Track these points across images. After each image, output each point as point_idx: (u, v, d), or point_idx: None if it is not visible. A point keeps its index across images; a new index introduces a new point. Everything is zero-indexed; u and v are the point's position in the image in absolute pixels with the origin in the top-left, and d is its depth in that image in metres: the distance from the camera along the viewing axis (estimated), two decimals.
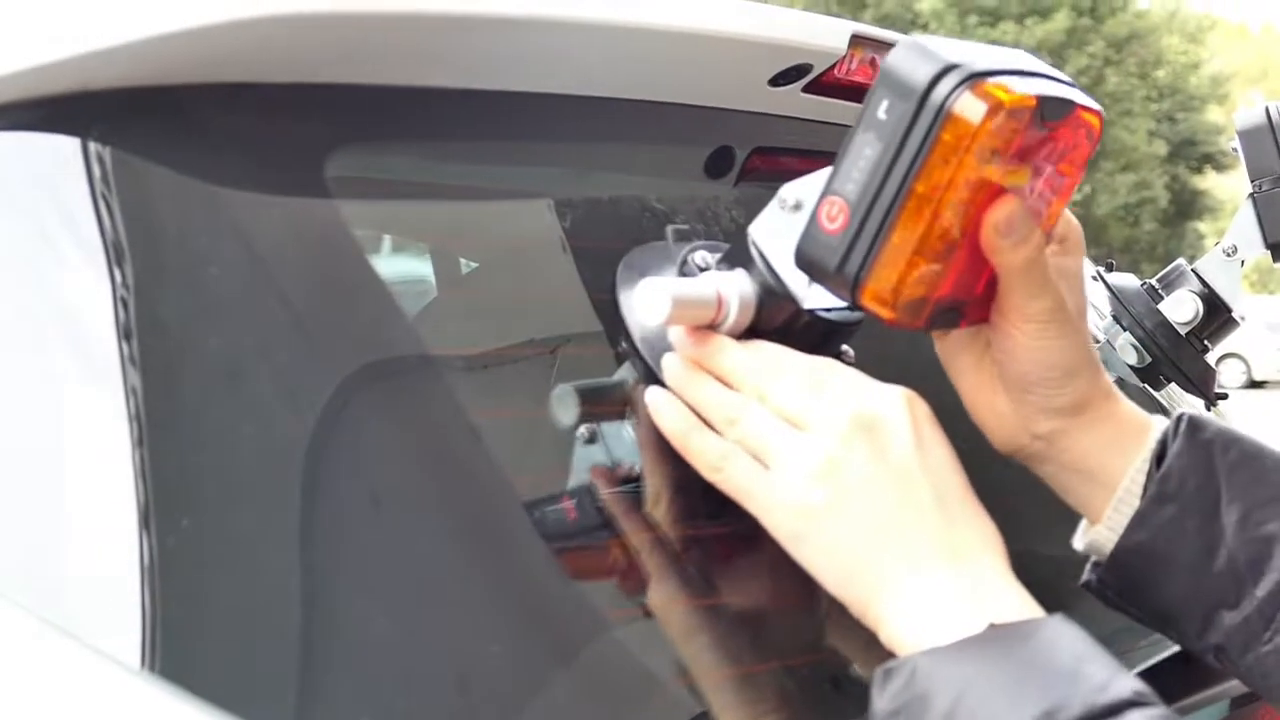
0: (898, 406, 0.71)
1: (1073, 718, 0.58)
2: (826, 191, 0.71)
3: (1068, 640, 0.63)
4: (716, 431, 0.74)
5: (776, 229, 0.74)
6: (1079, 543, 0.85)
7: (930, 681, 0.62)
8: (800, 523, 0.70)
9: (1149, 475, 0.82)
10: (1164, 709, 0.60)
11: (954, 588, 0.67)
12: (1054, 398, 0.81)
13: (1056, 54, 23.45)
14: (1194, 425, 0.82)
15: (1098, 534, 0.83)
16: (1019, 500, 0.88)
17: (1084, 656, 0.62)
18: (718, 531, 0.82)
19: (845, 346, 0.82)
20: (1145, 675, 0.99)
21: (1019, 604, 0.67)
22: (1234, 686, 1.00)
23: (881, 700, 0.63)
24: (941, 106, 0.67)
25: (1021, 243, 0.74)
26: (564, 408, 0.81)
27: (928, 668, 0.63)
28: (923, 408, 0.73)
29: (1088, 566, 0.85)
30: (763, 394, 0.73)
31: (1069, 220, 0.82)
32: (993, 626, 0.63)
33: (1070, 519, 0.87)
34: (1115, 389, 0.84)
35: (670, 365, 0.76)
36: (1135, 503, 0.82)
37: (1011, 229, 0.73)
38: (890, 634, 0.67)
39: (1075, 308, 0.80)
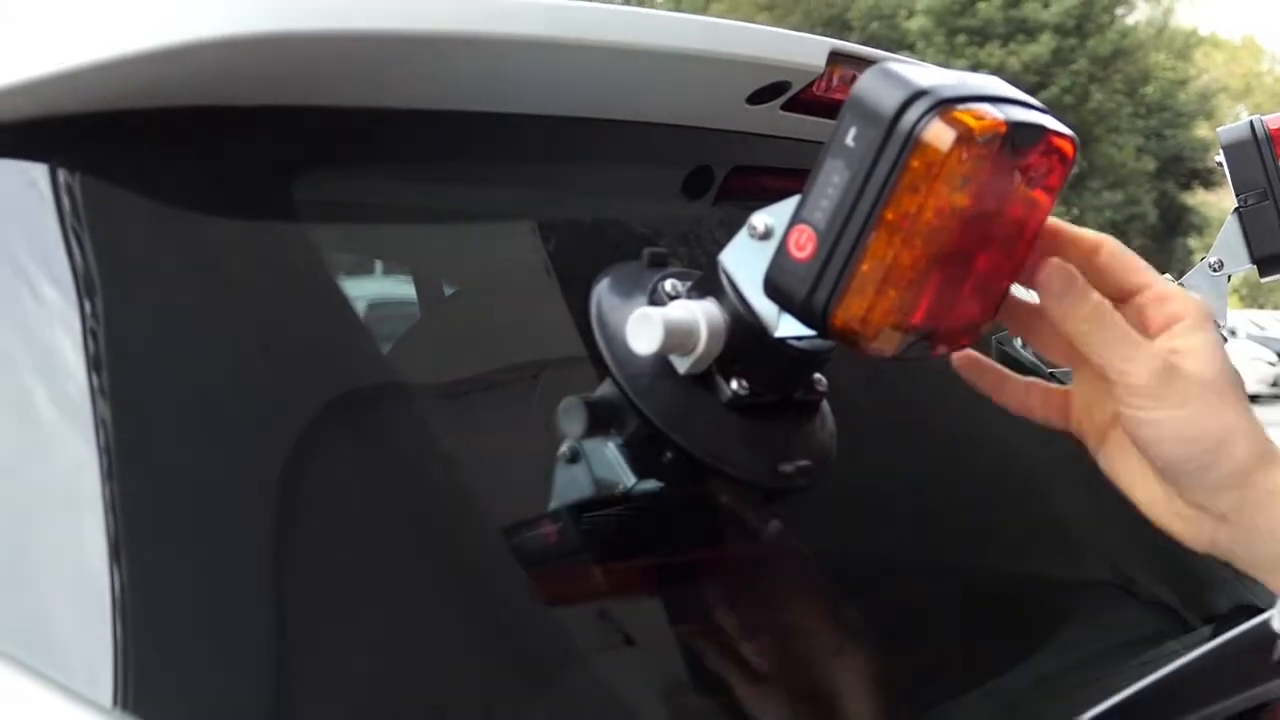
0: None
1: None
2: (795, 220, 0.70)
3: None
4: None
5: (746, 257, 0.74)
6: (1276, 623, 0.75)
7: None
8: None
9: None
10: None
11: None
12: (1210, 474, 0.71)
13: (1043, 73, 23.58)
14: None
15: None
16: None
17: None
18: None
19: (817, 375, 0.81)
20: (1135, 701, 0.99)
21: None
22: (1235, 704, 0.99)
23: None
24: (910, 133, 0.66)
25: (1079, 301, 0.71)
26: (571, 420, 0.79)
27: None
28: None
29: None
30: None
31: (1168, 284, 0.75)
32: None
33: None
34: None
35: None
36: None
37: (1068, 289, 0.71)
38: None
39: (1195, 365, 0.71)
